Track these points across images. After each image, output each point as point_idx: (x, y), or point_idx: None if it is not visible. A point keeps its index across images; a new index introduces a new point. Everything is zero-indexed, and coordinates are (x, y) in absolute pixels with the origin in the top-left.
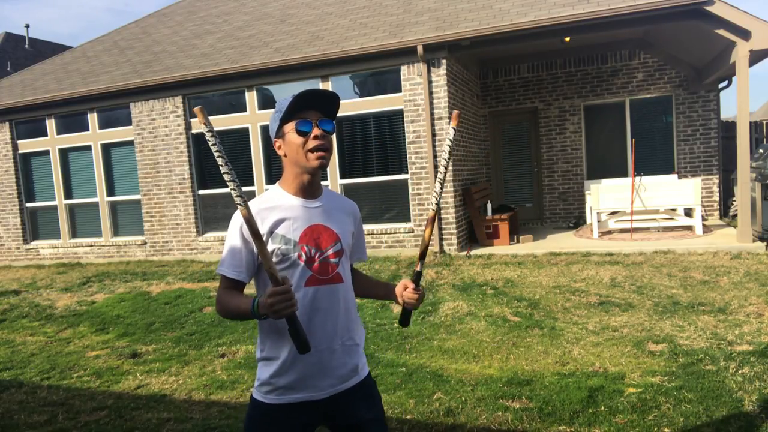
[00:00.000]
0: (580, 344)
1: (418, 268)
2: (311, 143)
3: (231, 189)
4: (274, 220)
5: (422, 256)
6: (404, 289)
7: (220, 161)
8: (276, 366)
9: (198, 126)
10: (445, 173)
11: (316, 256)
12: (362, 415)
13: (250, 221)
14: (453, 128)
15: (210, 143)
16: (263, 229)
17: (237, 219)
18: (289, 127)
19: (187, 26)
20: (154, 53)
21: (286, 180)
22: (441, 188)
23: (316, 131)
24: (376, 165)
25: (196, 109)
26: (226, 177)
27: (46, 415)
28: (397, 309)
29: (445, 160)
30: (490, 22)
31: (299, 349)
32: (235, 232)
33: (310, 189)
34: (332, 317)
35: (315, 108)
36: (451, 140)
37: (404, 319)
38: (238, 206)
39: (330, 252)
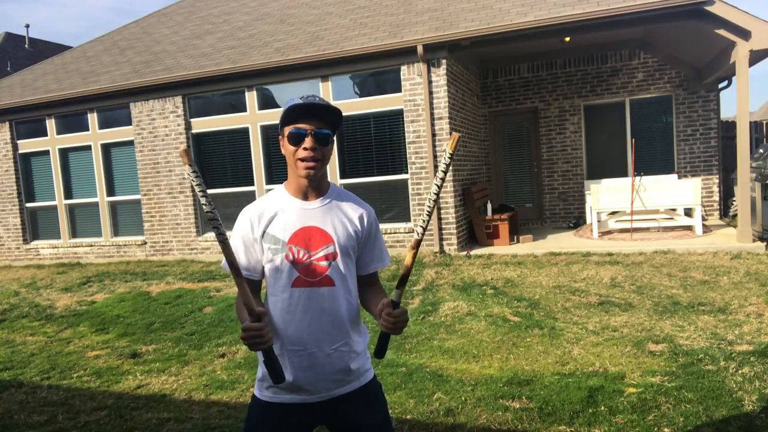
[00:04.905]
0: (580, 344)
1: (393, 297)
2: (301, 153)
3: (213, 228)
4: (268, 219)
5: (401, 282)
6: (383, 311)
7: (203, 200)
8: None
9: (198, 126)
10: (435, 203)
11: (304, 258)
12: (361, 421)
13: (230, 258)
14: (449, 153)
15: (194, 183)
16: (259, 230)
17: (240, 220)
18: (286, 132)
19: (187, 26)
20: (154, 53)
21: (288, 179)
22: (429, 218)
23: (308, 142)
24: (376, 165)
25: (180, 151)
26: (209, 215)
27: (46, 415)
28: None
29: (437, 186)
30: (490, 22)
31: (273, 379)
32: (237, 236)
33: (308, 191)
34: (319, 320)
35: (314, 116)
36: (446, 165)
37: (380, 348)
38: (220, 243)
39: (320, 254)
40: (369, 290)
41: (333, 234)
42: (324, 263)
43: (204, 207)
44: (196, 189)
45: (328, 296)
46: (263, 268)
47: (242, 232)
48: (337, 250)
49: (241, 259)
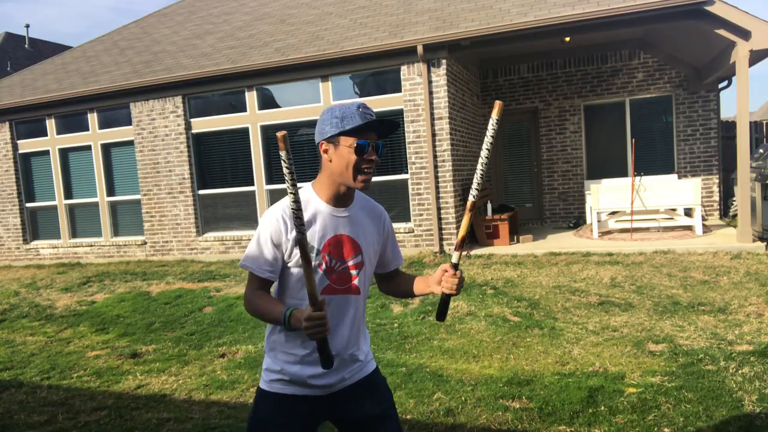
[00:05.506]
0: (580, 344)
1: (454, 260)
2: (363, 165)
3: (295, 218)
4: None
5: (460, 245)
6: (443, 275)
7: (290, 190)
8: (286, 358)
9: (198, 126)
10: (486, 166)
11: (337, 266)
12: (369, 410)
13: (304, 248)
14: (495, 119)
15: (285, 172)
16: (292, 231)
17: (271, 219)
18: (347, 141)
19: (187, 26)
20: (154, 53)
21: (321, 183)
22: (481, 180)
23: (371, 155)
24: (375, 165)
25: (279, 135)
26: (294, 206)
27: (46, 415)
28: (398, 309)
29: (488, 150)
30: (490, 22)
31: (323, 364)
32: (266, 235)
33: (343, 198)
34: (344, 327)
35: (375, 130)
36: (494, 128)
37: (441, 311)
38: (298, 232)
39: (350, 263)
40: (395, 279)
41: (362, 243)
42: (354, 272)
43: (290, 196)
44: (286, 177)
45: (354, 304)
46: (279, 270)
47: (273, 230)
48: (365, 259)
49: (268, 257)
